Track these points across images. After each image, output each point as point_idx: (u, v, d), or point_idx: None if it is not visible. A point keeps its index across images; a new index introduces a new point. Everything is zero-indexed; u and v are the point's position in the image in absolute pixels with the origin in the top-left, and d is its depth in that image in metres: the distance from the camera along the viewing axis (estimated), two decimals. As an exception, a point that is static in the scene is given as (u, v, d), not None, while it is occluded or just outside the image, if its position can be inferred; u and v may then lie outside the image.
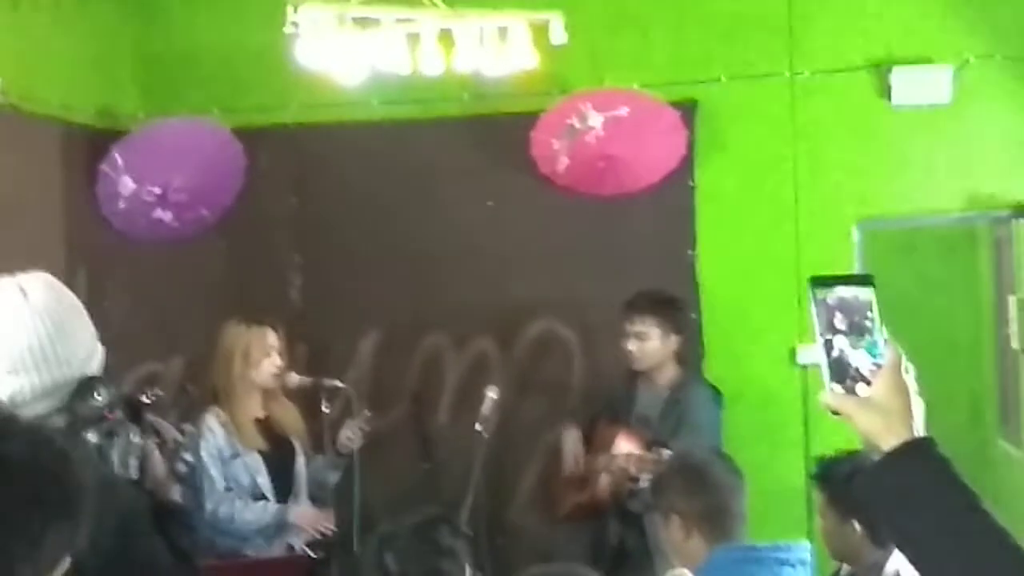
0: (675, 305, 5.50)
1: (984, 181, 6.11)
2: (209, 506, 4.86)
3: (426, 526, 2.84)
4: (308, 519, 4.97)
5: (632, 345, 5.38)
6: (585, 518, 5.60)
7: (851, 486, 3.49)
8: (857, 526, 3.74)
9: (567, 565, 3.08)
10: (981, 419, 7.91)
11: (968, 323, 7.87)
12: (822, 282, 1.75)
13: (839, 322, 1.73)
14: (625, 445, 5.23)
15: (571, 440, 5.61)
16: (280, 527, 4.96)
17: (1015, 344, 6.39)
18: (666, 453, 4.80)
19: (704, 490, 3.47)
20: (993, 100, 6.08)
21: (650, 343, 5.37)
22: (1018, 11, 6.04)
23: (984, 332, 7.84)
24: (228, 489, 4.93)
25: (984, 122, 6.10)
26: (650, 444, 5.18)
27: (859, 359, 1.72)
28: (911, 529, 1.66)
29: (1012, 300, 6.41)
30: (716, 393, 5.56)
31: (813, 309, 1.74)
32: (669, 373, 5.43)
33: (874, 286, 1.74)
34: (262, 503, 4.95)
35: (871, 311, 1.73)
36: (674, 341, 5.41)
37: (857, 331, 1.73)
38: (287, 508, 4.99)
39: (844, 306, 1.73)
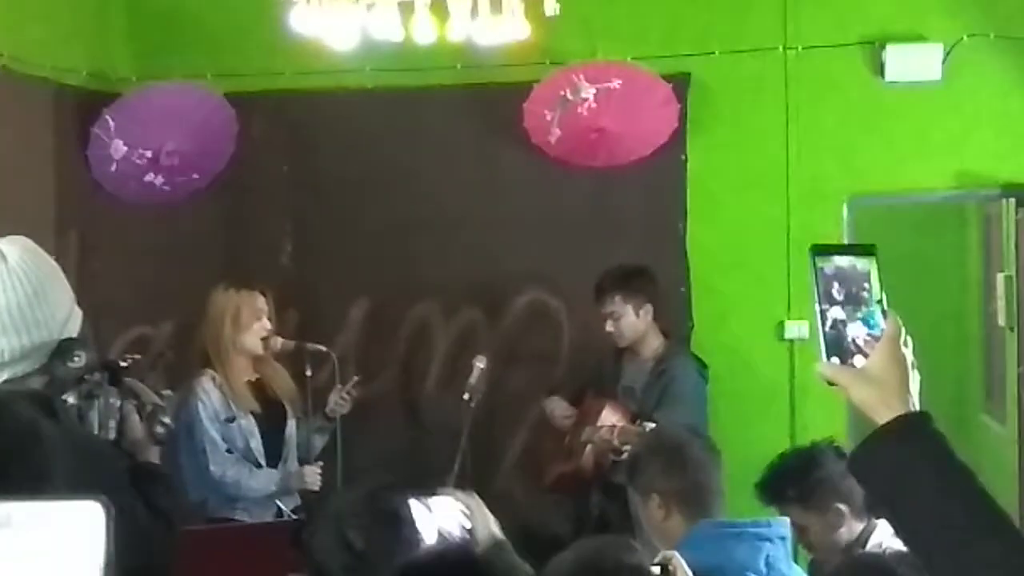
0: (640, 276, 5.50)
1: (974, 159, 6.13)
2: (215, 468, 4.90)
3: (379, 495, 2.78)
4: (308, 475, 4.99)
5: (610, 326, 5.41)
6: (569, 489, 5.63)
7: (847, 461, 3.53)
8: (842, 507, 3.77)
9: (617, 537, 3.02)
10: (966, 394, 7.96)
11: (955, 299, 7.90)
12: (823, 251, 1.73)
13: (836, 292, 1.70)
14: (610, 417, 5.26)
15: (555, 404, 5.64)
16: (277, 494, 5.00)
17: (1001, 321, 6.43)
18: (650, 426, 4.83)
19: (682, 469, 3.48)
20: (985, 79, 6.09)
21: (625, 320, 5.40)
22: (1011, -10, 6.05)
23: (971, 308, 7.88)
24: (228, 452, 4.95)
25: (976, 101, 6.11)
26: (635, 416, 5.21)
27: (856, 330, 1.69)
28: (904, 505, 1.63)
29: (1000, 277, 6.45)
30: (702, 366, 5.59)
31: (812, 278, 1.71)
32: (653, 345, 5.46)
33: (875, 255, 1.72)
34: (265, 471, 4.99)
35: (868, 282, 1.71)
36: (649, 311, 5.43)
37: (854, 302, 1.70)
38: (290, 475, 5.02)
39: (841, 276, 1.70)
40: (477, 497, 2.85)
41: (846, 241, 6.13)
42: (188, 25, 6.32)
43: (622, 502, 5.21)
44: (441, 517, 2.79)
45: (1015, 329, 6.27)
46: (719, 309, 6.21)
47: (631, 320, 5.39)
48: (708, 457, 3.57)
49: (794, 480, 3.84)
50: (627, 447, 4.86)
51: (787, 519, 3.65)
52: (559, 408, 5.62)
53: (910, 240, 7.86)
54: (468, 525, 2.80)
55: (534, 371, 6.23)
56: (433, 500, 2.82)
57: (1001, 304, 6.39)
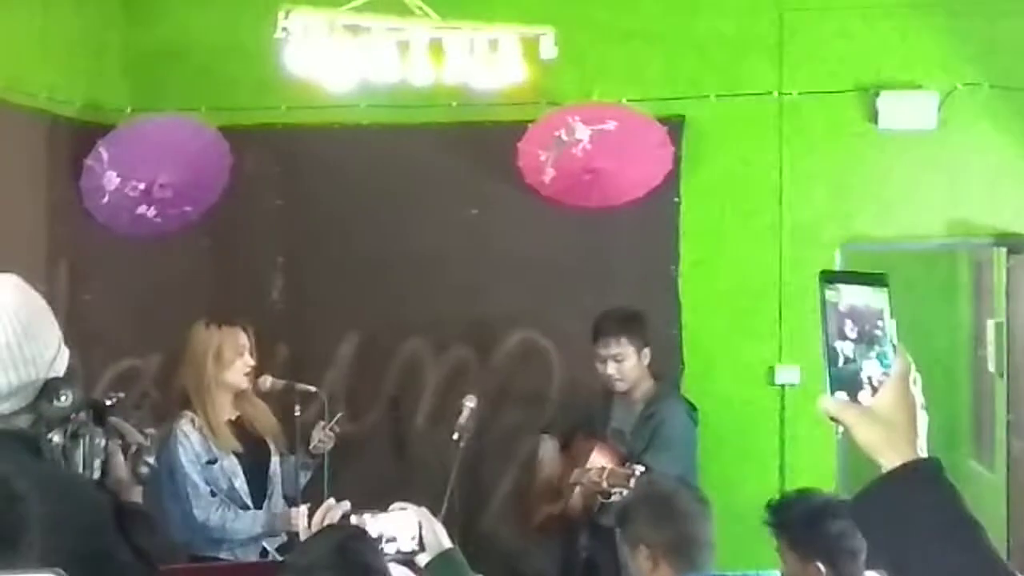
0: (641, 320, 5.50)
1: (967, 208, 6.15)
2: (199, 512, 4.82)
3: (348, 547, 2.75)
4: (293, 519, 4.93)
5: (611, 368, 5.35)
6: (557, 530, 5.60)
7: (813, 529, 3.45)
8: (821, 567, 3.72)
9: None
10: (955, 440, 7.94)
11: (946, 345, 7.90)
12: (832, 278, 1.65)
13: (849, 330, 1.62)
14: (599, 459, 5.24)
15: (548, 450, 5.62)
16: (270, 535, 4.95)
17: (991, 367, 6.43)
18: (639, 469, 4.81)
19: (671, 520, 3.46)
20: (979, 128, 6.11)
21: (627, 363, 5.36)
22: (1007, 40, 6.08)
23: (961, 355, 7.87)
24: (212, 495, 4.89)
25: (969, 149, 6.13)
26: (624, 459, 5.19)
27: (871, 369, 1.61)
28: (904, 555, 1.56)
29: (990, 324, 6.45)
30: (692, 409, 5.55)
31: (822, 309, 1.63)
32: (644, 387, 5.43)
33: (887, 286, 1.62)
34: (250, 512, 4.92)
35: (882, 319, 1.61)
36: (647, 355, 5.41)
37: (867, 340, 1.62)
38: (276, 517, 4.95)
39: (855, 314, 1.62)
40: (426, 510, 2.85)
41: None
42: (183, 59, 6.33)
43: (610, 545, 5.19)
44: (392, 529, 2.78)
45: (1004, 375, 6.27)
46: (710, 352, 6.21)
47: (633, 363, 5.36)
48: (698, 508, 3.54)
49: (801, 521, 3.78)
50: (616, 490, 4.83)
51: (776, 573, 3.62)
52: (549, 455, 5.59)
53: (901, 286, 7.83)
54: (417, 535, 2.78)
55: (524, 411, 6.21)
56: (384, 514, 2.81)
57: (991, 350, 6.40)
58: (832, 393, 1.62)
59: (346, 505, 2.87)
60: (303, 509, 4.88)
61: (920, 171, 6.16)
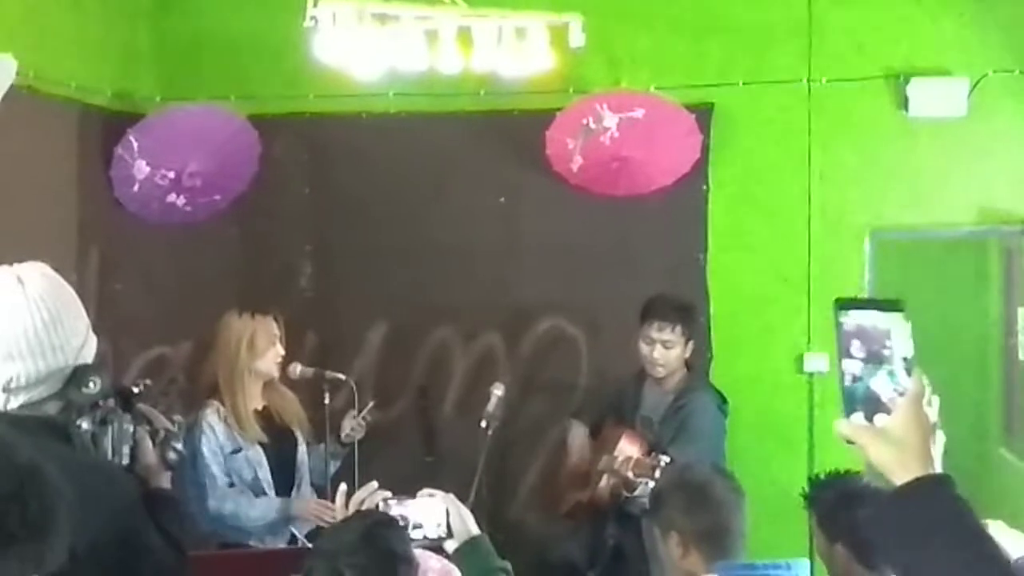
0: (694, 313, 5.50)
1: (997, 195, 6.12)
2: (213, 503, 4.83)
3: (376, 534, 2.77)
4: (311, 510, 4.96)
5: (657, 352, 5.32)
6: (585, 517, 5.60)
7: (840, 512, 3.48)
8: (843, 550, 3.73)
9: None
10: (985, 429, 7.91)
11: (975, 334, 7.85)
12: (846, 305, 1.69)
13: (856, 349, 1.67)
14: (628, 447, 5.23)
15: (578, 436, 5.61)
16: (284, 521, 4.96)
17: (1021, 355, 6.40)
18: (664, 459, 4.79)
19: (704, 508, 3.45)
20: (1010, 115, 6.08)
21: (674, 351, 5.33)
22: (1038, 26, 6.04)
23: (991, 343, 7.83)
24: (231, 484, 4.90)
25: (1000, 136, 6.10)
26: (651, 448, 5.18)
27: (881, 387, 1.66)
28: (914, 569, 1.59)
29: (1020, 312, 6.42)
30: (722, 400, 5.52)
31: (836, 334, 1.68)
32: (676, 377, 5.42)
33: (903, 311, 1.66)
34: (266, 499, 4.92)
35: (890, 339, 1.65)
36: (690, 348, 5.41)
37: (875, 359, 1.66)
38: (291, 502, 4.95)
39: (862, 333, 1.66)
40: (454, 497, 2.86)
41: (867, 275, 6.13)
42: (213, 47, 6.35)
43: (637, 533, 5.20)
44: (419, 515, 2.79)
45: (1035, 364, 6.24)
46: (738, 341, 6.20)
47: (678, 353, 5.35)
48: (732, 498, 3.53)
49: (833, 501, 3.78)
50: (641, 480, 4.82)
51: (806, 562, 3.63)
52: (578, 442, 5.58)
53: (931, 274, 7.82)
54: (445, 522, 2.80)
55: (551, 399, 6.22)
56: (411, 501, 2.81)
57: (1021, 338, 6.36)
58: (848, 415, 1.66)
59: (385, 492, 2.88)
60: (342, 487, 4.90)
61: (950, 158, 6.13)
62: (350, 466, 5.12)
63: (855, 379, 1.66)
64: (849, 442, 1.66)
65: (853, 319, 1.67)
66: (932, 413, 1.65)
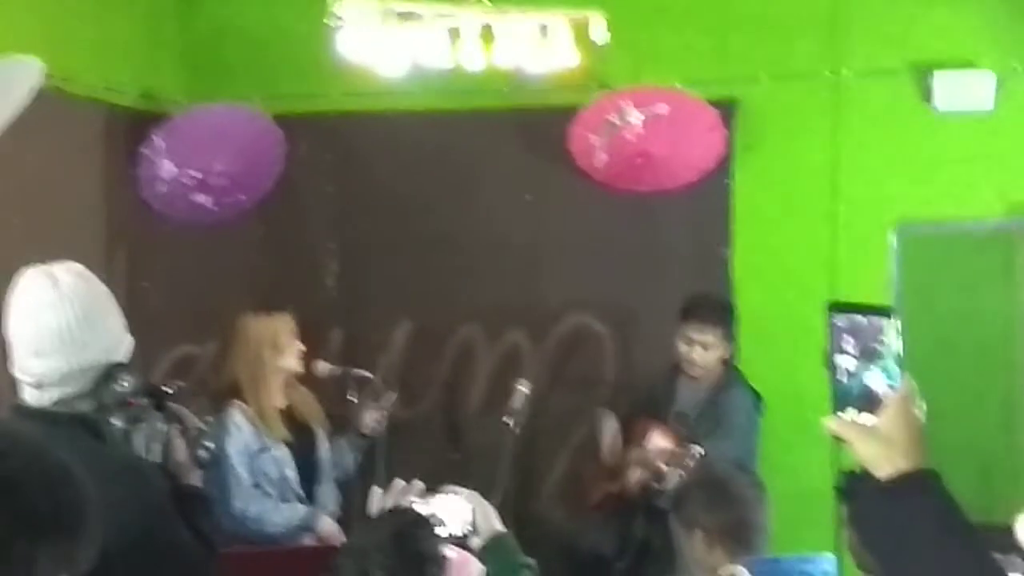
0: (734, 314, 5.49)
1: (1023, 189, 6.08)
2: (238, 504, 4.82)
3: (406, 534, 2.77)
4: (334, 534, 4.91)
5: (696, 353, 5.32)
6: (614, 509, 5.60)
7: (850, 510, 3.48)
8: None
9: None
10: (1012, 421, 7.87)
11: (1002, 327, 7.82)
12: (839, 308, 1.71)
13: (848, 344, 1.68)
14: (659, 440, 5.23)
15: (609, 427, 5.60)
16: (306, 530, 4.95)
17: (1047, 348, 6.36)
18: (697, 450, 4.79)
19: (726, 505, 3.48)
20: (1035, 108, 6.04)
21: (712, 352, 5.32)
22: (1066, 20, 6.00)
23: (1018, 336, 7.79)
24: (256, 485, 4.88)
25: (1025, 130, 6.06)
26: (683, 441, 5.17)
27: (874, 381, 1.67)
28: (897, 563, 1.60)
29: (1048, 304, 6.38)
30: (756, 398, 5.52)
31: (827, 333, 1.70)
32: (713, 374, 5.41)
33: (892, 316, 1.67)
34: (289, 506, 4.92)
35: (883, 335, 1.66)
36: (729, 349, 5.40)
37: (868, 354, 1.67)
38: (316, 513, 4.94)
39: (856, 330, 1.68)
40: (478, 494, 2.86)
41: (893, 269, 6.11)
42: (237, 47, 6.37)
43: (665, 527, 5.20)
44: (443, 512, 2.80)
45: (1062, 357, 6.20)
46: (763, 336, 6.17)
47: (718, 354, 5.35)
48: (753, 493, 3.56)
49: (857, 495, 3.79)
50: (672, 471, 4.82)
51: (831, 556, 3.63)
52: (610, 433, 5.57)
53: (957, 268, 7.79)
54: (471, 519, 2.80)
55: (577, 396, 6.21)
56: (436, 498, 2.82)
57: (1049, 332, 6.33)
58: (840, 411, 1.68)
59: (419, 484, 2.88)
60: (376, 490, 4.89)
61: (976, 152, 6.09)
62: (371, 464, 5.12)
63: (849, 375, 1.68)
64: (837, 439, 1.68)
65: (846, 318, 1.69)
66: (920, 415, 1.66)
